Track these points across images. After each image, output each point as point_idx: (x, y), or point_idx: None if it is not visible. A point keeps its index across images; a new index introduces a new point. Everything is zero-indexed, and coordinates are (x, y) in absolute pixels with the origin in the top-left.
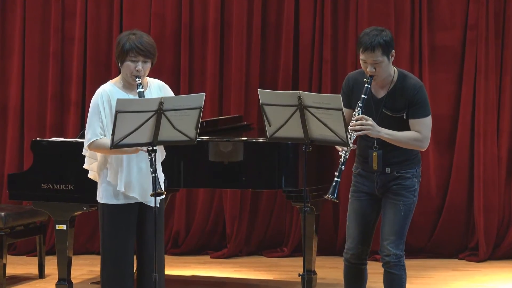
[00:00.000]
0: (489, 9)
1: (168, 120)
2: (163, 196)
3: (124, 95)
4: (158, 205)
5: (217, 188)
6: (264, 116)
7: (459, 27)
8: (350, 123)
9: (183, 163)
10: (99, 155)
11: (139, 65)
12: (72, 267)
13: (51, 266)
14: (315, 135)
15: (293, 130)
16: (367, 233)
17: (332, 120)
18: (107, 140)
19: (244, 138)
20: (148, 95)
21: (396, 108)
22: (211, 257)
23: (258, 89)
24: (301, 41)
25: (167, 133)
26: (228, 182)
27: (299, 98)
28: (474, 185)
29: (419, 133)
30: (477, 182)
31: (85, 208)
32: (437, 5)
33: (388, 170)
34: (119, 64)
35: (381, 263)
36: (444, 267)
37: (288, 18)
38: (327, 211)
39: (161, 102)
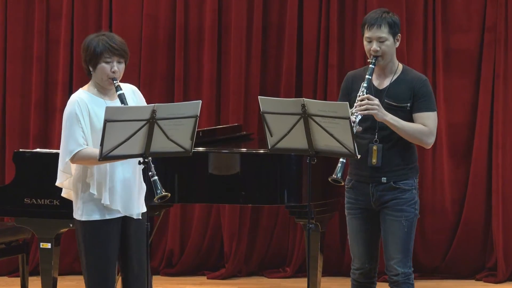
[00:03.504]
0: (508, 10)
1: (162, 129)
2: (139, 211)
3: (101, 101)
4: (140, 217)
5: (214, 203)
6: (265, 126)
7: (475, 29)
8: (355, 104)
9: (177, 176)
10: (73, 169)
11: (115, 66)
12: None
13: (35, 287)
14: (320, 146)
15: (296, 141)
16: (372, 250)
17: (339, 130)
18: (93, 150)
19: (244, 149)
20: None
21: (399, 97)
22: (207, 278)
23: (259, 96)
24: (305, 44)
25: (160, 143)
26: (226, 196)
27: (303, 106)
28: (492, 200)
29: (425, 126)
30: (496, 197)
31: (71, 225)
32: (452, 5)
33: (384, 179)
34: (91, 69)
35: (388, 283)
36: None
37: (291, 19)
38: (333, 228)
39: (153, 110)
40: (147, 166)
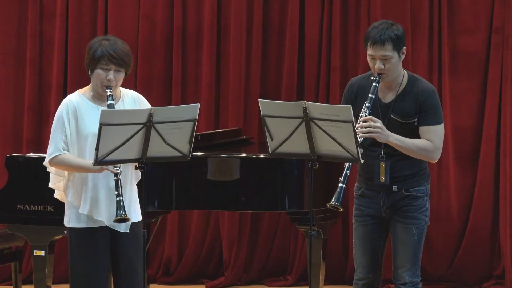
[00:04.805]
0: None
1: (159, 133)
2: (129, 222)
3: (94, 107)
4: (128, 231)
5: (213, 210)
6: (266, 129)
7: (483, 30)
8: (357, 125)
9: (175, 182)
10: (66, 172)
11: (111, 74)
12: None
13: None
14: (323, 150)
15: (297, 145)
16: (377, 260)
17: (341, 134)
18: (70, 156)
19: (243, 154)
20: (120, 107)
21: (405, 113)
22: (206, 286)
23: (259, 99)
24: (306, 46)
25: (157, 148)
26: (226, 202)
27: (305, 109)
28: (499, 206)
29: (430, 142)
30: (503, 203)
31: (65, 232)
32: (458, 6)
33: (395, 188)
34: (89, 73)
35: None
36: None
37: (292, 20)
38: (336, 235)
39: (150, 113)
40: (144, 170)
